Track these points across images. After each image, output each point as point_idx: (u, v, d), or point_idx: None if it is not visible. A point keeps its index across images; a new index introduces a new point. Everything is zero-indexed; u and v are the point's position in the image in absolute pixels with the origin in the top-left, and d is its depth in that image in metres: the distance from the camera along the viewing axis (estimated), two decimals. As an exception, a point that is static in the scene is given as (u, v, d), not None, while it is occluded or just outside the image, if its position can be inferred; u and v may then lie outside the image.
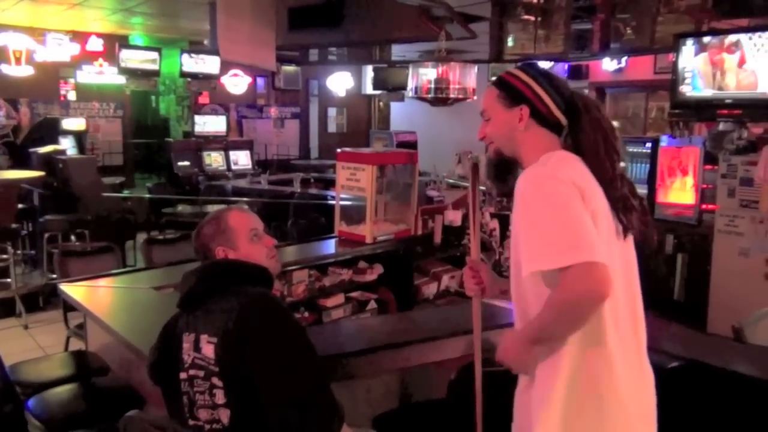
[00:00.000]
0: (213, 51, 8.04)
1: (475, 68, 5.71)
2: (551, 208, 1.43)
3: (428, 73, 5.50)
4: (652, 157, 5.62)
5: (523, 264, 1.46)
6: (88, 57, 10.09)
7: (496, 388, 1.92)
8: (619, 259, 1.53)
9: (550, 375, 1.50)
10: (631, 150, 6.15)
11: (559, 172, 1.47)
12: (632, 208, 1.56)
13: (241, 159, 10.87)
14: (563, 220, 1.41)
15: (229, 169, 10.49)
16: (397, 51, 8.83)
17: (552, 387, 1.49)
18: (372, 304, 4.35)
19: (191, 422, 1.75)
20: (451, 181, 7.51)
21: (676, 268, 5.39)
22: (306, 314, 3.99)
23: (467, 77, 5.53)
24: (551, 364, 1.50)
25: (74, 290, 3.23)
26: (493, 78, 1.73)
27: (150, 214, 7.75)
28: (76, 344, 3.70)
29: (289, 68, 12.00)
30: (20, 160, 8.38)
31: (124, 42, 9.93)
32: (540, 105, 1.59)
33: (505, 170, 1.70)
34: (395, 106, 12.92)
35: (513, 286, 1.63)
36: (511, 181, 1.74)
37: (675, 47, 5.26)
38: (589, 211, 1.44)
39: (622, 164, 1.60)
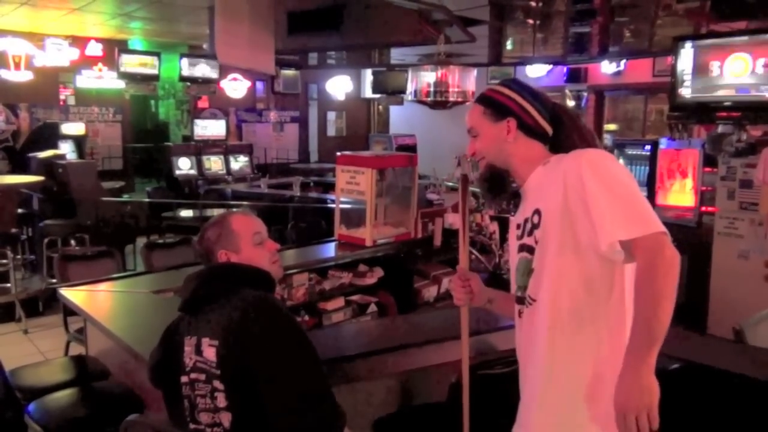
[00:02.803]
0: (212, 55, 8.05)
1: (475, 71, 5.72)
2: (626, 182, 1.46)
3: (427, 77, 5.51)
4: (652, 160, 5.64)
5: (600, 234, 1.41)
6: (88, 62, 10.11)
7: (497, 390, 1.92)
8: None
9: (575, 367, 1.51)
10: (630, 152, 6.17)
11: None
12: None
13: (241, 163, 10.89)
14: (639, 194, 1.45)
15: (228, 173, 10.50)
16: (396, 54, 8.84)
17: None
18: (372, 308, 4.35)
19: (192, 426, 1.75)
20: (450, 184, 7.51)
21: (676, 271, 5.39)
22: (306, 318, 3.98)
23: (466, 80, 5.54)
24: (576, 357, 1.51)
25: (74, 295, 3.23)
26: (477, 95, 1.77)
27: (150, 218, 7.75)
28: (76, 349, 3.70)
29: (289, 72, 12.02)
30: (20, 165, 8.40)
31: (123, 46, 9.95)
32: (526, 117, 1.64)
33: (498, 184, 1.70)
34: (394, 110, 12.94)
35: (541, 271, 1.55)
36: (504, 196, 1.76)
37: (674, 50, 5.27)
38: None
39: None
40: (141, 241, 6.14)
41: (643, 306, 1.38)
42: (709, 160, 5.23)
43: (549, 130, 1.65)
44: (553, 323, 1.53)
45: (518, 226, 1.65)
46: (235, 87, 11.60)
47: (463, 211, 1.88)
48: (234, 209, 6.46)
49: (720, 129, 5.22)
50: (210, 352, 1.69)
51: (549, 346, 1.53)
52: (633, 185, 1.46)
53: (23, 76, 9.08)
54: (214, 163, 10.53)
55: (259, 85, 12.27)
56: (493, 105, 1.67)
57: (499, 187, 1.72)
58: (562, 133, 1.64)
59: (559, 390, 1.52)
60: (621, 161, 6.46)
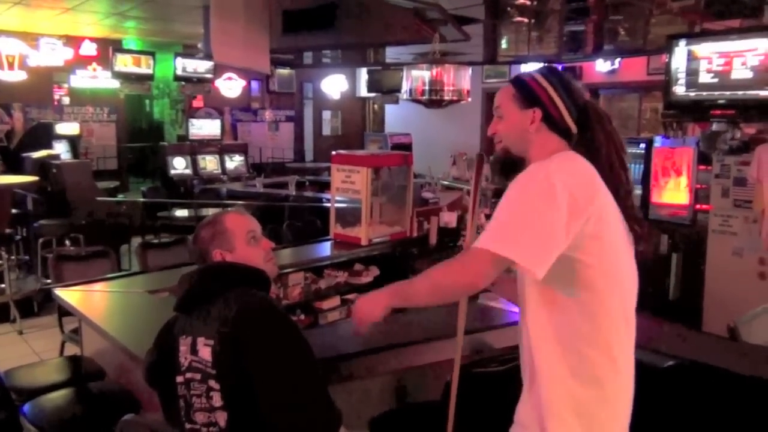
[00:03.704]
0: (207, 55, 8.04)
1: (470, 70, 5.73)
2: (523, 206, 1.45)
3: (422, 75, 5.51)
4: (646, 158, 5.64)
5: None
6: (82, 61, 10.08)
7: (492, 388, 1.93)
8: (630, 263, 1.57)
9: (556, 374, 1.51)
10: (625, 151, 6.20)
11: (557, 173, 1.46)
12: (642, 219, 1.61)
13: (236, 162, 10.87)
14: (524, 219, 1.43)
15: (223, 172, 10.49)
16: (391, 53, 8.86)
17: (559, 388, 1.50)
18: (368, 307, 4.35)
19: (188, 425, 1.75)
20: (446, 182, 7.53)
21: (671, 268, 5.41)
22: (302, 317, 3.98)
23: (461, 79, 5.54)
24: (557, 363, 1.51)
25: (69, 295, 3.22)
26: (512, 76, 1.76)
27: (145, 218, 7.74)
28: (71, 349, 3.69)
29: (284, 71, 12.02)
30: (14, 165, 8.36)
31: (117, 46, 9.93)
32: (553, 110, 1.62)
33: (510, 168, 1.71)
34: (390, 109, 12.93)
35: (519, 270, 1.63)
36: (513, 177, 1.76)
37: (668, 48, 5.29)
38: (589, 213, 1.44)
39: None
40: (136, 240, 6.12)
41: (428, 278, 1.56)
42: (704, 158, 5.25)
43: (573, 128, 1.63)
44: (531, 318, 1.57)
45: None
46: (230, 86, 11.58)
47: (475, 189, 1.91)
48: (228, 208, 6.45)
49: (714, 127, 5.23)
50: (205, 352, 1.69)
51: (533, 338, 1.56)
52: (529, 211, 1.43)
53: (17, 76, 9.04)
54: (210, 163, 10.52)
55: (254, 84, 12.25)
56: (524, 90, 1.65)
57: (511, 168, 1.71)
58: (588, 132, 1.63)
59: (542, 383, 1.52)
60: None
